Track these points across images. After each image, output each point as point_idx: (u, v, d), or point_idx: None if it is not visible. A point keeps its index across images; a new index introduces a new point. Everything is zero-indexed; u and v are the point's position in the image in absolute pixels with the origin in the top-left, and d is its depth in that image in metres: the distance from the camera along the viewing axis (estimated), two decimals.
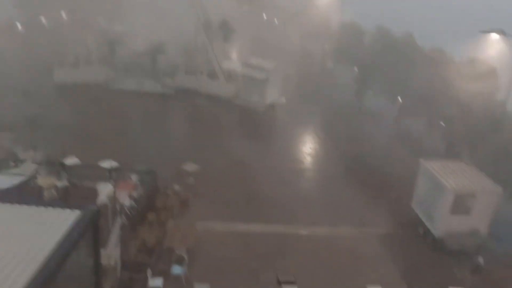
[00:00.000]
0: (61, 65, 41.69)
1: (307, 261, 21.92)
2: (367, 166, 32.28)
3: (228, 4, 48.63)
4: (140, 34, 45.19)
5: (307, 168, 32.78)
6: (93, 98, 38.77)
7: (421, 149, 34.20)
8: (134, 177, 24.69)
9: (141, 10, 45.68)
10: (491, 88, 30.91)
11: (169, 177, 26.65)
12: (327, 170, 32.29)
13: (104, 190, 18.98)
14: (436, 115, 33.31)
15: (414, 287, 21.04)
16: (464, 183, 23.59)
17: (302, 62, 55.25)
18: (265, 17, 69.11)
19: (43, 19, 55.38)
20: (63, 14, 53.43)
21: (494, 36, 34.14)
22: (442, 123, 33.79)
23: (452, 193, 22.97)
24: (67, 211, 11.89)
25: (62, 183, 22.67)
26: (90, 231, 12.22)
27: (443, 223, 23.57)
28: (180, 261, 20.33)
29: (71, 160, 25.87)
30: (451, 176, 23.89)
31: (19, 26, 54.20)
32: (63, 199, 22.31)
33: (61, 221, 11.45)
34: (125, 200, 22.12)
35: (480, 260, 22.05)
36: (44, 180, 22.85)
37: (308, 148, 36.07)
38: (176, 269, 19.92)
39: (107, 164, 24.89)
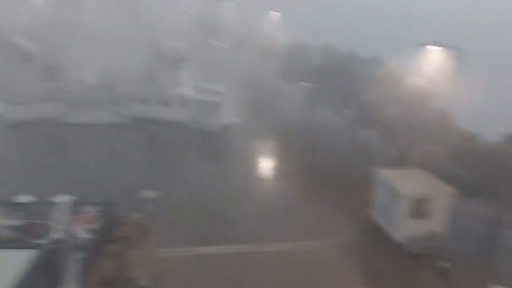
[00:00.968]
0: (11, 103, 40.61)
1: (273, 279, 22.26)
2: (325, 178, 33.35)
3: (178, 31, 49.31)
4: (91, 66, 45.00)
5: (267, 184, 33.47)
6: (45, 135, 38.01)
7: (374, 157, 35.74)
8: (92, 209, 24.33)
9: (91, 41, 45.63)
10: (428, 96, 32.94)
11: (128, 206, 26.42)
12: (287, 185, 33.08)
13: (59, 225, 18.70)
14: (382, 123, 34.91)
15: None
16: (418, 187, 24.82)
17: (253, 82, 56.58)
18: (216, 43, 70.36)
19: None
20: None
21: (431, 47, 36.51)
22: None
23: (407, 198, 24.11)
24: (22, 251, 11.82)
25: (16, 222, 22.13)
26: (46, 269, 12.16)
27: (402, 228, 24.60)
28: None
29: (24, 198, 25.23)
30: (405, 182, 25.08)
31: None
32: (18, 239, 21.74)
33: (16, 261, 11.37)
34: (83, 234, 21.76)
35: (446, 264, 22.90)
36: None
37: (266, 164, 36.83)
38: None
39: (61, 199, 24.40)
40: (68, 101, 42.76)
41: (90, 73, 44.85)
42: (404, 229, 24.52)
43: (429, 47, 36.56)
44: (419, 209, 24.47)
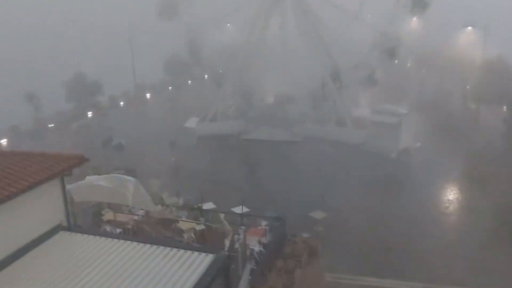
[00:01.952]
0: (202, 119, 45.94)
1: None
2: None
3: (355, 50, 48.72)
4: (270, 87, 47.97)
5: (449, 218, 29.78)
6: (228, 148, 41.67)
7: None
8: (263, 223, 25.30)
9: (271, 64, 48.75)
10: None
11: (297, 224, 26.67)
12: (473, 221, 28.82)
13: (236, 234, 19.81)
14: None
15: None
16: None
17: (440, 104, 51.76)
18: (396, 62, 67.32)
19: (189, 81, 62.91)
20: (205, 76, 60.02)
21: None
22: None
23: None
24: (203, 254, 12.69)
25: (199, 226, 24.37)
26: (222, 275, 12.82)
27: None
28: None
29: (208, 205, 27.73)
30: None
31: (169, 87, 62.07)
32: (200, 242, 23.90)
33: (197, 263, 12.26)
34: (255, 246, 22.64)
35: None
36: (185, 224, 24.88)
37: (449, 195, 32.88)
38: None
39: (239, 209, 26.03)
40: (250, 119, 46.23)
41: (270, 92, 47.77)
42: None
43: None
44: None
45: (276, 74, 43.43)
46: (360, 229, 27.33)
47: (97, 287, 11.47)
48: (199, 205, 27.97)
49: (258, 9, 45.05)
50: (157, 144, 41.92)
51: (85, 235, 14.17)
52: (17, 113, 45.26)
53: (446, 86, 56.06)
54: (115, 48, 63.81)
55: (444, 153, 39.72)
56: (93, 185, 21.22)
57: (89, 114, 51.24)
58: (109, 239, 13.84)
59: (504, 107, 42.80)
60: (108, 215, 26.19)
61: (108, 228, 22.85)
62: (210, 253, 12.72)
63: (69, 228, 14.54)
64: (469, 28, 59.20)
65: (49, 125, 47.91)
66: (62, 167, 14.69)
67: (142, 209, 26.71)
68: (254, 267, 21.68)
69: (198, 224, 25.18)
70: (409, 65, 67.55)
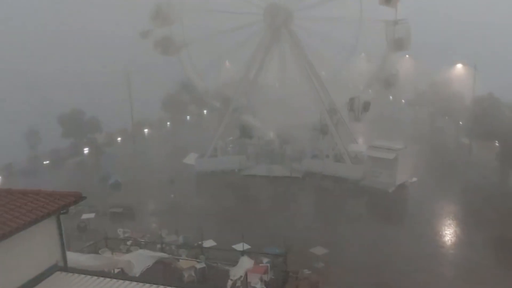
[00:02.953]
0: (202, 155, 46.07)
1: None
2: None
3: (352, 87, 49.77)
4: (269, 123, 48.50)
5: (447, 254, 29.64)
6: (228, 184, 41.69)
7: None
8: (265, 260, 25.12)
9: (270, 100, 49.48)
10: None
11: (298, 261, 26.44)
12: (472, 256, 28.71)
13: (237, 272, 19.64)
14: None
15: None
16: None
17: (434, 140, 52.58)
18: (391, 98, 68.77)
19: (187, 117, 63.65)
20: (205, 112, 60.88)
21: None
22: None
23: None
24: None
25: (200, 265, 24.12)
26: None
27: None
28: None
29: (208, 243, 27.54)
30: None
31: (168, 123, 62.61)
32: (201, 280, 23.58)
33: None
34: (257, 284, 22.41)
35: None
36: (185, 262, 24.63)
37: (446, 229, 32.86)
38: None
39: (240, 247, 25.87)
40: (249, 155, 46.53)
41: (269, 129, 48.29)
42: None
43: None
44: None
45: (275, 110, 44.07)
46: (360, 265, 27.07)
47: None
48: (199, 243, 27.79)
49: (256, 47, 46.20)
50: (156, 181, 41.87)
51: (82, 275, 13.75)
52: (13, 151, 45.33)
53: (440, 121, 57.15)
54: (113, 85, 64.66)
55: (439, 187, 40.06)
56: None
57: (86, 150, 51.24)
58: (107, 279, 13.48)
59: (496, 142, 43.51)
60: (105, 254, 25.86)
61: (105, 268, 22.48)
62: None
63: (65, 268, 14.10)
64: (459, 65, 60.97)
65: (45, 162, 47.81)
66: (58, 205, 14.46)
67: (140, 249, 26.43)
68: None
69: (198, 262, 24.98)
70: (403, 101, 68.92)
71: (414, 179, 41.14)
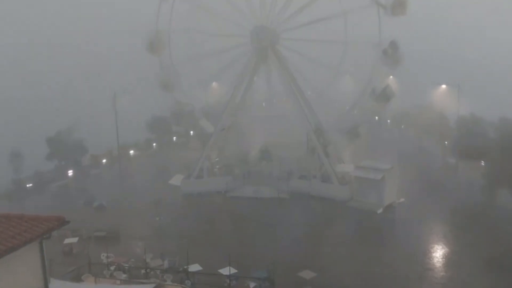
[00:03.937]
0: (188, 176, 45.57)
1: None
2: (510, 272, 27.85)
3: (337, 108, 50.13)
4: (256, 143, 48.37)
5: (437, 275, 29.39)
6: (214, 206, 41.17)
7: None
8: (252, 284, 24.60)
9: (256, 121, 49.51)
10: None
11: (286, 284, 25.94)
12: (461, 277, 28.54)
13: None
14: None
15: None
16: None
17: (420, 160, 52.90)
18: (376, 118, 69.40)
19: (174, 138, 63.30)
20: (191, 133, 60.68)
21: None
22: None
23: None
24: None
25: None
26: None
27: None
28: None
29: (194, 267, 26.92)
30: None
31: (154, 145, 62.04)
32: None
33: None
34: None
35: None
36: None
37: (434, 251, 32.69)
38: None
39: (226, 271, 25.34)
40: (235, 176, 46.17)
41: (255, 150, 48.15)
42: None
43: None
44: None
45: (261, 131, 44.04)
46: None
47: None
48: (185, 267, 27.17)
49: (243, 68, 46.46)
50: (141, 203, 41.14)
51: None
52: None
53: (425, 141, 57.65)
54: (99, 106, 64.16)
55: (427, 208, 40.04)
56: None
57: (70, 173, 50.30)
58: None
59: (482, 161, 43.87)
60: (88, 280, 25.16)
61: None
62: None
63: None
64: (443, 86, 61.98)
65: (28, 185, 46.76)
66: (41, 230, 14.18)
67: (124, 274, 25.77)
68: None
69: (183, 287, 24.37)
70: (389, 121, 69.56)
71: (402, 199, 41.18)
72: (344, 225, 37.85)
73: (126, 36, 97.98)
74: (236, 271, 25.67)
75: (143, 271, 26.72)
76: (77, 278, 25.10)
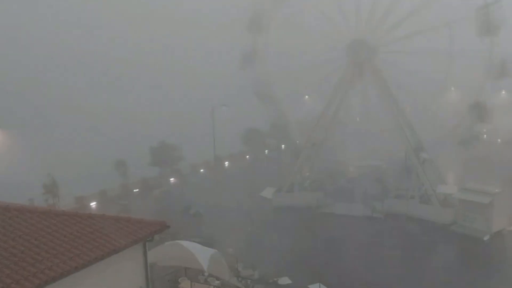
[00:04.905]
0: (279, 190, 45.83)
1: None
2: None
3: (440, 125, 46.96)
4: (350, 160, 47.11)
5: None
6: (304, 221, 40.69)
7: None
8: None
9: (351, 136, 48.29)
10: None
11: None
12: None
13: None
14: None
15: None
16: None
17: None
18: (484, 137, 63.81)
19: (265, 152, 64.43)
20: (282, 146, 61.22)
21: None
22: None
23: None
24: None
25: None
26: None
27: None
28: None
29: (283, 280, 26.83)
30: None
31: (247, 157, 63.71)
32: None
33: None
34: None
35: None
36: None
37: None
38: None
39: (316, 287, 24.83)
40: (328, 192, 45.26)
41: (349, 165, 46.92)
42: None
43: None
44: None
45: (355, 146, 42.80)
46: None
47: None
48: (275, 279, 27.20)
49: (338, 82, 45.78)
50: (234, 213, 42.19)
51: None
52: (106, 178, 48.72)
53: None
54: (198, 118, 67.79)
55: None
56: (175, 247, 21.94)
57: (172, 180, 53.62)
58: None
59: None
60: (184, 283, 26.25)
61: None
62: None
63: None
64: None
65: (134, 190, 50.71)
66: (146, 233, 15.19)
67: (218, 280, 26.49)
68: None
69: None
70: (499, 140, 63.55)
71: None
72: (446, 251, 34.95)
73: (223, 51, 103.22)
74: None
75: (235, 278, 27.22)
76: (174, 280, 26.39)
